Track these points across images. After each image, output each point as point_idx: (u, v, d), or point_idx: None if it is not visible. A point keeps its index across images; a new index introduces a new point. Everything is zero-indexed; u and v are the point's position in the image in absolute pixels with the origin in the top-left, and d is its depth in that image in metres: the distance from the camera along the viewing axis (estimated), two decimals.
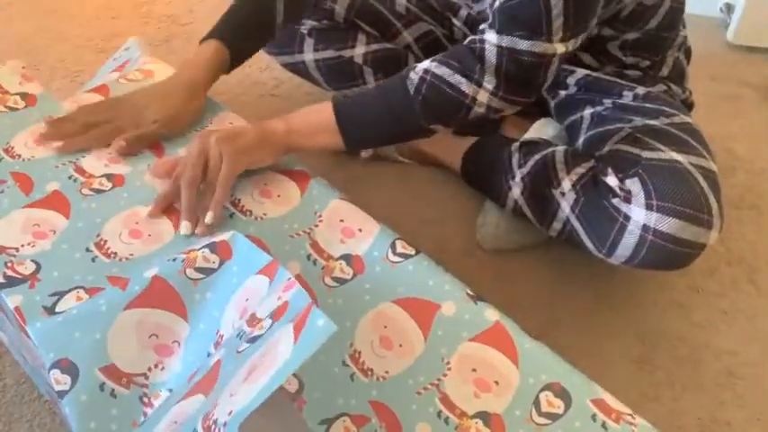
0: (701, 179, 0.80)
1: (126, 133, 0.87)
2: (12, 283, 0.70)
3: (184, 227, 0.77)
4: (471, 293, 0.74)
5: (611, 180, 0.84)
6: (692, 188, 0.79)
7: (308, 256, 0.77)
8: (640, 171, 0.82)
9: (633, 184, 0.81)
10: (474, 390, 0.67)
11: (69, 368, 0.64)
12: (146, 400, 0.64)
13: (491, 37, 0.81)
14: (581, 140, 1.01)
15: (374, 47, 1.14)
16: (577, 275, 1.02)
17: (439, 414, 0.65)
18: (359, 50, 1.14)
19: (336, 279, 0.75)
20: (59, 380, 0.63)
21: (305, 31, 1.13)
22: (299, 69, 1.18)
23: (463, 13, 1.17)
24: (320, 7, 1.13)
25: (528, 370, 0.68)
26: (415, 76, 0.84)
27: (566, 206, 0.90)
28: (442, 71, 0.82)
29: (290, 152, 0.88)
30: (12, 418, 0.80)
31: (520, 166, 0.97)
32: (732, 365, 0.91)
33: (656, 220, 0.79)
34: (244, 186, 0.84)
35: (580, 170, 0.90)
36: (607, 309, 0.98)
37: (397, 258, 0.76)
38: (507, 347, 0.69)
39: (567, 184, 0.90)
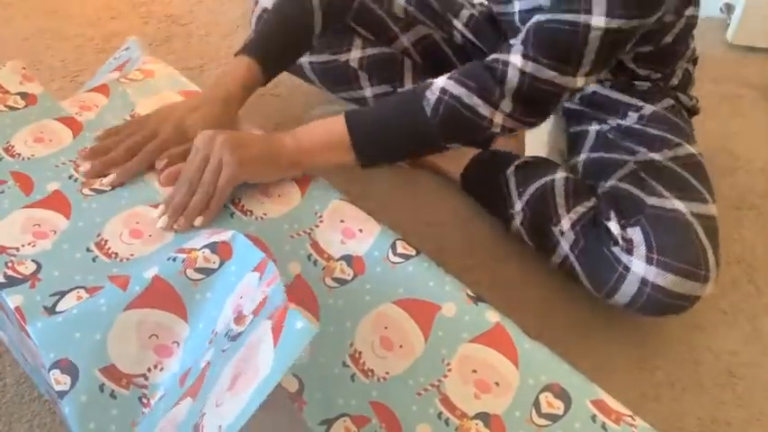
0: (701, 232, 0.83)
1: (170, 147, 0.84)
2: (12, 282, 0.70)
3: (162, 221, 0.78)
4: (472, 294, 0.74)
5: (614, 226, 0.85)
6: (692, 243, 0.82)
7: (309, 257, 0.77)
8: (643, 220, 0.84)
9: (635, 234, 0.83)
10: (474, 391, 0.67)
11: (69, 368, 0.64)
12: (145, 401, 0.64)
13: (516, 60, 0.80)
14: (582, 157, 1.02)
15: (370, 51, 1.13)
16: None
17: (439, 415, 0.65)
18: (354, 54, 1.12)
19: (337, 280, 0.75)
20: (59, 380, 0.63)
21: None
22: (294, 69, 1.17)
23: (465, 13, 1.16)
24: None
25: (528, 371, 0.68)
26: (432, 95, 0.82)
27: (565, 245, 0.91)
28: (460, 91, 0.81)
29: (295, 171, 0.85)
30: (12, 419, 0.80)
31: (519, 195, 0.98)
32: (732, 365, 0.91)
33: (654, 274, 0.81)
34: (244, 186, 0.84)
35: (580, 209, 0.91)
36: (607, 309, 0.98)
37: (397, 259, 0.76)
38: (507, 348, 0.69)
39: (566, 224, 0.91)
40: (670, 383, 0.89)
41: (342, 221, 0.81)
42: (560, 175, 0.97)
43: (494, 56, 0.83)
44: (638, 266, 0.82)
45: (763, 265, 1.06)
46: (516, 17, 0.98)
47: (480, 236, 1.06)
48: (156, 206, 0.80)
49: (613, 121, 1.01)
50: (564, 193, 0.93)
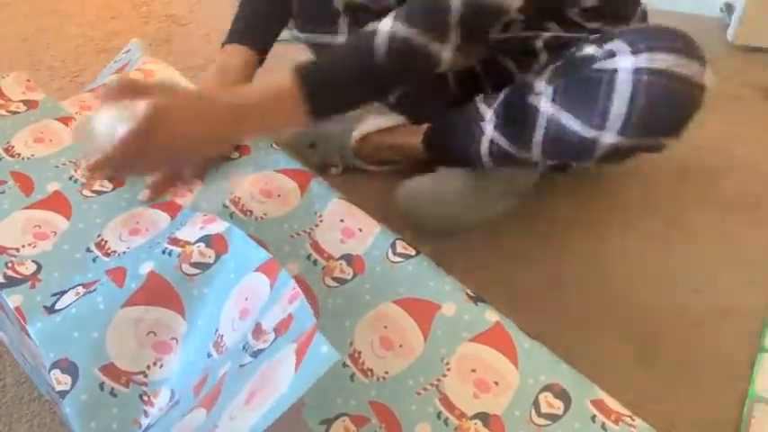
0: (681, 31, 0.78)
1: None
2: (12, 283, 0.71)
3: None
4: (471, 294, 0.74)
5: (590, 48, 0.79)
6: (675, 31, 0.76)
7: (309, 256, 0.77)
8: (620, 34, 0.78)
9: (614, 44, 0.77)
10: (473, 390, 0.67)
11: (69, 368, 0.64)
12: (145, 398, 0.64)
13: None
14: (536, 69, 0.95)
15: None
16: (577, 276, 1.02)
17: (438, 415, 0.65)
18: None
19: (337, 279, 0.75)
20: (60, 380, 0.63)
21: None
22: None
23: None
24: None
25: (527, 371, 0.68)
26: (382, 42, 0.78)
27: (545, 103, 0.83)
28: (410, 33, 0.77)
29: (237, 138, 0.84)
30: (12, 419, 0.80)
31: (490, 105, 0.92)
32: (732, 365, 0.91)
33: (646, 59, 0.74)
34: (244, 186, 0.84)
35: (554, 66, 0.85)
36: (607, 309, 0.98)
37: (397, 258, 0.76)
38: (507, 348, 0.69)
39: (542, 84, 0.84)
40: (669, 383, 0.89)
41: (341, 221, 0.81)
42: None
43: None
44: (626, 61, 0.75)
45: (763, 265, 1.06)
46: None
47: (480, 236, 1.06)
48: (156, 206, 0.80)
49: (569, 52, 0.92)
50: (537, 70, 0.88)
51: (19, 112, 0.93)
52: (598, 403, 0.66)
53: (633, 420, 0.66)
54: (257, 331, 0.61)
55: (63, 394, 0.63)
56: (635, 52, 0.74)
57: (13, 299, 0.69)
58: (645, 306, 0.99)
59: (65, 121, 0.92)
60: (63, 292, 0.70)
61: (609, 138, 0.78)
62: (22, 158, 0.86)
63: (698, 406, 0.87)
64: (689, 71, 0.74)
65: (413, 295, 0.73)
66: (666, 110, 0.75)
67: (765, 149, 1.29)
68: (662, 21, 1.66)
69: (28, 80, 0.99)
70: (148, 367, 0.66)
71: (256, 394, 0.51)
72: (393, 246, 0.78)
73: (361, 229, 0.80)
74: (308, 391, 0.65)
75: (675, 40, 0.75)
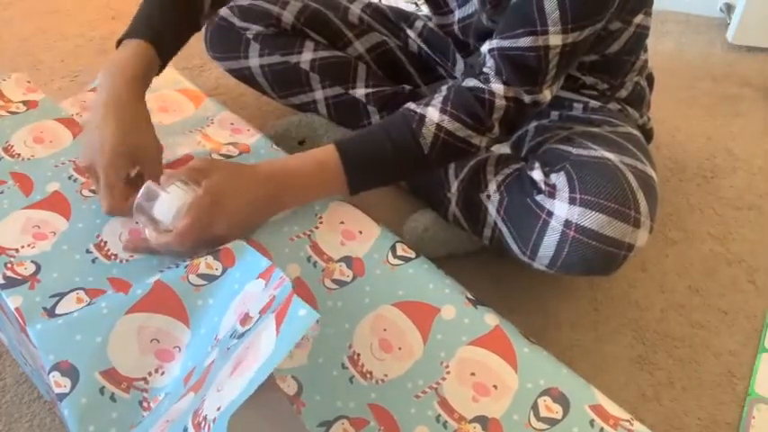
0: (631, 177, 0.77)
1: (115, 183, 0.77)
2: (12, 283, 0.71)
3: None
4: (471, 297, 0.74)
5: (537, 174, 0.81)
6: (619, 183, 0.76)
7: (309, 258, 0.77)
8: (567, 166, 0.79)
9: (558, 178, 0.78)
10: (472, 394, 0.67)
11: (69, 371, 0.64)
12: (145, 404, 0.64)
13: (499, 88, 0.81)
14: (523, 153, 0.99)
15: (322, 54, 1.10)
16: (577, 276, 1.02)
17: (437, 418, 0.65)
18: (306, 56, 1.09)
19: (336, 281, 0.75)
20: (59, 382, 0.63)
21: (251, 36, 1.09)
22: (244, 75, 1.13)
23: (419, 24, 1.16)
24: (267, 13, 1.09)
25: (527, 375, 0.68)
26: (428, 133, 0.81)
27: (492, 209, 0.87)
28: (455, 127, 0.81)
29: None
30: (12, 419, 0.80)
31: (456, 177, 0.94)
32: (732, 365, 0.91)
33: (578, 214, 0.75)
34: None
35: (507, 171, 0.88)
36: (607, 309, 0.98)
37: (397, 261, 0.76)
38: (506, 352, 0.69)
39: (492, 186, 0.88)
40: (670, 383, 0.89)
41: (342, 223, 0.81)
42: (497, 153, 0.95)
43: (475, 83, 0.82)
44: (561, 209, 0.76)
45: (763, 265, 1.06)
46: (456, 27, 0.99)
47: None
48: None
49: (555, 113, 0.99)
50: (495, 162, 0.91)
51: (18, 113, 0.93)
52: (597, 408, 0.66)
53: (632, 425, 0.65)
54: (245, 319, 0.61)
55: (61, 397, 0.63)
56: (571, 201, 0.76)
57: (13, 299, 0.69)
58: (645, 306, 0.99)
59: (64, 122, 0.92)
60: (62, 294, 0.70)
61: (540, 266, 0.82)
62: (22, 158, 0.86)
63: (698, 406, 0.87)
64: (617, 233, 0.75)
65: (412, 298, 0.73)
66: (587, 264, 0.78)
67: (765, 150, 1.28)
68: (662, 21, 1.66)
69: (28, 81, 0.99)
70: (150, 374, 0.66)
71: (241, 364, 0.52)
72: (393, 248, 0.78)
73: (361, 232, 0.80)
74: (306, 392, 0.65)
75: (612, 198, 0.75)
